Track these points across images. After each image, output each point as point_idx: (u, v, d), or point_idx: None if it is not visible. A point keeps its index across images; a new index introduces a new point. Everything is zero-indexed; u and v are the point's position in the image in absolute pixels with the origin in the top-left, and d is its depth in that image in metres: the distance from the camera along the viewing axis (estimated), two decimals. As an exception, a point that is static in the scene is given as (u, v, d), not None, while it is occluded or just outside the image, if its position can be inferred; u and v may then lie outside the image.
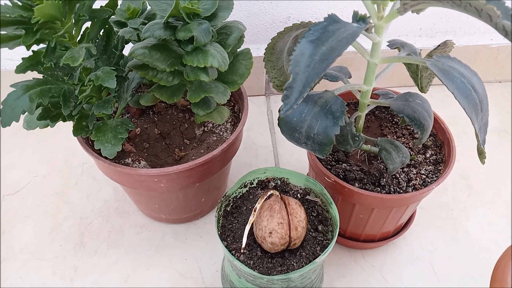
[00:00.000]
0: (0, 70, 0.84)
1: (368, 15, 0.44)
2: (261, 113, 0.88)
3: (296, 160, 0.79)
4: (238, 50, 0.58)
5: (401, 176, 0.58)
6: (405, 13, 0.43)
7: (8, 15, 0.40)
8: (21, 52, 0.81)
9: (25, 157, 0.81)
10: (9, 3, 0.41)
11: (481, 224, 0.70)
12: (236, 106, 0.67)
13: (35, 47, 0.46)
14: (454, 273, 0.64)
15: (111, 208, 0.73)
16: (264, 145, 0.82)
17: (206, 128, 0.64)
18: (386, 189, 0.56)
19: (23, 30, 0.41)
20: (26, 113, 0.48)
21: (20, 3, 0.41)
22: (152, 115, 0.66)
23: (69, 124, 0.59)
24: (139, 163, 0.60)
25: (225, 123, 0.65)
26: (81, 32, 0.49)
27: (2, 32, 0.42)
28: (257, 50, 0.83)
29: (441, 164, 0.60)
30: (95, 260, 0.66)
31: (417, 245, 0.68)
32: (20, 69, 0.44)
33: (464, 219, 0.71)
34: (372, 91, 0.58)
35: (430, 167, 0.59)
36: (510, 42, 0.38)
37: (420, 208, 0.72)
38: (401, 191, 0.56)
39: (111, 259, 0.66)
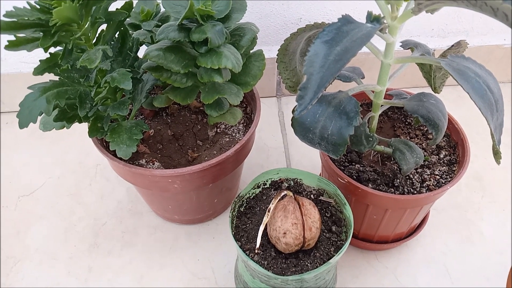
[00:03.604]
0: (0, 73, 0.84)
1: (382, 15, 0.44)
2: (273, 114, 0.89)
3: (308, 161, 0.79)
4: (251, 51, 0.58)
5: (415, 177, 0.57)
6: (419, 13, 0.43)
7: (26, 18, 0.40)
8: (35, 55, 0.82)
9: (39, 159, 0.82)
10: (27, 6, 0.42)
11: (495, 225, 0.70)
12: (249, 107, 0.67)
13: (51, 50, 0.47)
14: (468, 275, 0.64)
15: (124, 209, 0.73)
16: (275, 146, 0.82)
17: (218, 129, 0.65)
18: (400, 190, 0.56)
19: (41, 33, 0.42)
20: (42, 114, 0.49)
21: (38, 6, 0.42)
22: (165, 117, 0.66)
23: (83, 126, 0.60)
24: (153, 164, 0.60)
25: (238, 124, 0.65)
26: (97, 35, 0.49)
27: (21, 35, 0.43)
28: (269, 51, 0.83)
29: (455, 165, 0.59)
30: (109, 260, 0.67)
31: (430, 246, 0.67)
32: (38, 71, 0.45)
33: (478, 220, 0.70)
34: (386, 91, 0.58)
35: (444, 167, 0.59)
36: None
37: (433, 209, 0.71)
38: (415, 192, 0.56)
39: (124, 260, 0.67)
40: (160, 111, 0.67)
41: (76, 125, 0.53)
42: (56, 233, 0.70)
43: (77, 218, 0.72)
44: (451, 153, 0.61)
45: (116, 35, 0.51)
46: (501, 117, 0.47)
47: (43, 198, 0.75)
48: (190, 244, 0.69)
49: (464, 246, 0.67)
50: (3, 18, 0.40)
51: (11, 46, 0.42)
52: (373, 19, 0.43)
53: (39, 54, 0.83)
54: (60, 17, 0.39)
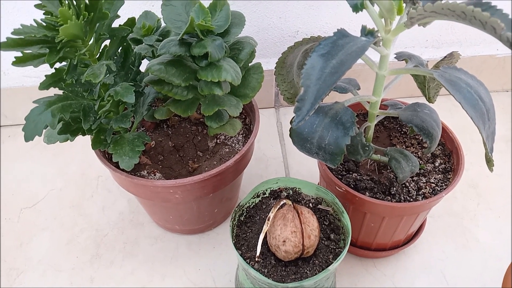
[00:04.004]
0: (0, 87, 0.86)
1: (376, 29, 0.46)
2: (271, 125, 0.90)
3: (306, 171, 0.80)
4: (250, 64, 0.60)
5: (411, 185, 0.59)
6: (412, 27, 0.45)
7: (33, 35, 0.42)
8: (37, 69, 0.84)
9: (42, 171, 0.83)
10: (34, 24, 0.44)
11: (491, 232, 0.71)
12: (248, 119, 0.69)
13: (56, 65, 0.48)
14: (465, 281, 0.65)
15: (126, 220, 0.74)
16: (274, 156, 0.84)
17: (218, 140, 0.66)
18: (397, 198, 0.57)
19: (47, 49, 0.44)
20: (47, 128, 0.50)
21: (44, 24, 0.43)
22: (166, 129, 0.68)
23: (85, 139, 0.61)
24: (154, 175, 0.61)
25: (237, 135, 0.66)
26: (100, 50, 0.51)
27: (27, 51, 0.44)
28: (267, 64, 0.85)
29: (450, 173, 0.61)
30: (111, 271, 0.68)
31: (428, 253, 0.68)
32: (44, 85, 0.46)
33: (474, 227, 0.72)
34: (381, 102, 0.60)
35: (440, 175, 0.60)
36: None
37: (430, 217, 0.72)
38: (411, 199, 0.57)
39: (126, 270, 0.68)
40: (161, 123, 0.68)
41: (78, 137, 0.54)
42: (58, 245, 0.71)
43: (79, 229, 0.73)
44: (446, 161, 0.62)
45: (119, 50, 0.53)
46: (493, 126, 0.48)
47: (45, 210, 0.76)
48: (191, 254, 0.70)
49: (461, 253, 0.68)
50: (10, 36, 0.42)
51: (18, 62, 0.44)
52: (367, 32, 0.45)
53: (42, 69, 0.84)
54: (66, 34, 0.41)
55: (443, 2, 0.39)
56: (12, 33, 0.42)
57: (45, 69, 0.86)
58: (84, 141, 0.68)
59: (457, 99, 0.44)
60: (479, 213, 0.74)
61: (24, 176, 0.82)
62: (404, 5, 0.49)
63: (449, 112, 0.90)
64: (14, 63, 0.44)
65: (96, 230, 0.73)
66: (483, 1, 0.43)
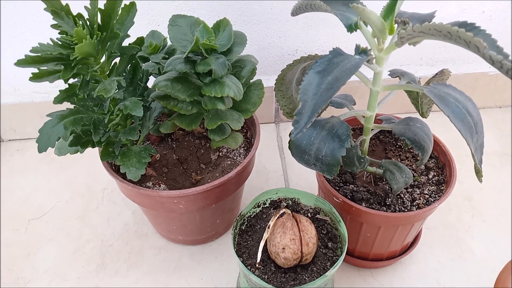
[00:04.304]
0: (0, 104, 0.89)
1: (369, 48, 0.49)
2: (271, 139, 0.93)
3: (305, 184, 0.83)
4: (251, 81, 0.63)
5: (406, 196, 0.61)
6: (402, 46, 0.48)
7: (49, 53, 0.45)
8: (47, 86, 0.87)
9: (49, 183, 0.85)
10: (50, 42, 0.47)
11: (485, 243, 0.73)
12: (249, 133, 0.72)
13: (70, 80, 0.51)
14: (460, 291, 0.67)
15: (130, 231, 0.76)
16: (274, 169, 0.86)
17: (221, 153, 0.69)
18: (392, 208, 0.59)
19: (62, 66, 0.47)
20: (59, 139, 0.53)
21: (59, 42, 0.47)
22: (170, 142, 0.71)
23: (91, 152, 0.64)
24: (159, 186, 0.64)
25: (239, 148, 0.69)
26: (110, 67, 0.54)
27: (43, 68, 0.47)
28: (267, 80, 0.88)
29: (443, 185, 0.63)
30: (115, 280, 0.69)
31: (424, 264, 0.70)
32: (58, 100, 0.49)
33: (469, 238, 0.74)
34: (376, 116, 0.63)
35: (433, 187, 0.63)
36: (497, 70, 0.42)
37: (426, 228, 0.74)
38: (406, 210, 0.59)
39: (131, 280, 0.69)
40: (165, 137, 0.71)
41: (83, 151, 0.57)
42: (65, 255, 0.73)
43: (85, 240, 0.75)
44: (439, 174, 0.65)
45: (128, 67, 0.56)
46: (481, 139, 0.51)
47: (52, 221, 0.78)
48: (194, 264, 0.72)
49: (456, 263, 0.70)
50: (28, 53, 0.45)
51: (35, 77, 0.47)
52: (361, 51, 0.48)
53: (51, 85, 0.88)
54: (81, 52, 0.44)
55: (430, 23, 0.42)
56: (30, 51, 0.45)
57: (54, 85, 0.90)
58: (89, 155, 0.71)
59: (445, 113, 0.47)
60: (473, 225, 0.76)
61: (31, 189, 0.84)
62: (395, 25, 0.52)
63: (443, 127, 0.92)
64: (31, 79, 0.47)
65: (101, 240, 0.75)
66: (468, 22, 0.47)
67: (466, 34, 0.40)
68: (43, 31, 0.80)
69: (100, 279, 0.70)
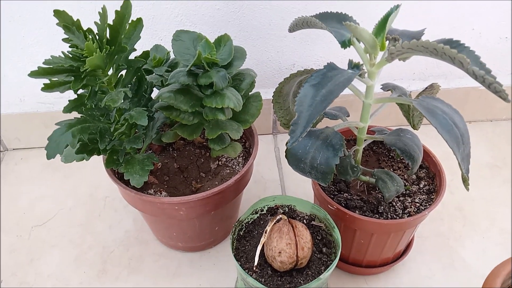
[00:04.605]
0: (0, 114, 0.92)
1: (361, 63, 0.52)
2: (269, 150, 0.96)
3: (302, 193, 0.85)
4: (250, 93, 0.66)
5: (397, 204, 0.64)
6: (392, 61, 0.51)
7: (61, 65, 0.48)
8: (51, 96, 0.90)
9: (52, 191, 0.88)
10: (61, 55, 0.50)
11: (476, 252, 0.75)
12: (247, 143, 0.74)
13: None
14: (451, 297, 0.69)
15: (131, 238, 0.79)
16: (272, 179, 0.89)
17: (220, 162, 0.72)
18: (384, 215, 0.62)
19: (72, 77, 0.50)
20: (67, 147, 0.55)
21: (70, 55, 0.49)
22: (171, 151, 0.73)
23: (93, 162, 0.66)
24: (160, 193, 0.66)
25: (237, 158, 0.72)
26: (117, 78, 0.57)
27: (54, 79, 0.50)
28: (266, 93, 0.91)
29: (433, 194, 0.66)
30: (116, 286, 0.71)
31: (416, 271, 0.72)
32: (67, 109, 0.52)
33: (460, 247, 0.76)
34: (369, 128, 0.66)
35: (424, 196, 0.65)
36: (480, 84, 0.45)
37: (418, 237, 0.77)
38: (397, 217, 0.62)
39: (131, 285, 0.71)
40: (167, 146, 0.74)
41: (86, 161, 0.59)
42: (67, 260, 0.75)
43: (87, 246, 0.77)
44: (430, 183, 0.67)
45: (134, 79, 0.59)
46: (467, 149, 0.54)
47: (55, 228, 0.81)
48: (193, 270, 0.74)
49: (447, 271, 0.72)
50: (41, 65, 0.48)
51: (47, 88, 0.50)
52: (353, 66, 0.51)
53: (55, 96, 0.91)
54: (91, 65, 0.47)
55: (419, 40, 0.45)
56: (43, 63, 0.48)
57: (59, 96, 0.93)
58: (92, 164, 0.73)
59: (433, 125, 0.50)
60: (464, 234, 0.78)
61: (35, 196, 0.87)
62: (387, 42, 0.55)
63: (436, 140, 0.94)
64: (43, 89, 0.50)
65: (103, 247, 0.77)
66: (454, 39, 0.50)
67: (450, 51, 0.43)
68: (50, 44, 0.83)
69: (102, 284, 0.72)
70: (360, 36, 0.50)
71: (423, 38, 0.53)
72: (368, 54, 0.53)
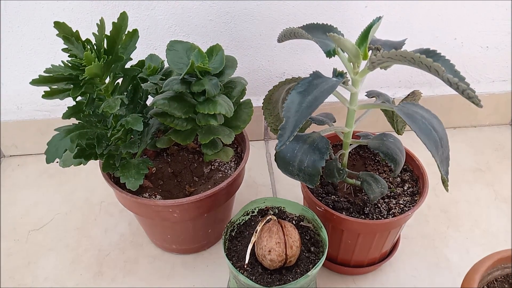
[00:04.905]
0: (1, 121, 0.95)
1: (345, 71, 0.56)
2: (261, 155, 0.99)
3: (292, 197, 0.87)
4: (241, 100, 0.69)
5: (382, 206, 0.67)
6: (374, 70, 0.54)
7: (61, 73, 0.51)
8: (48, 104, 0.92)
9: (48, 197, 0.90)
10: (61, 64, 0.52)
11: (460, 252, 0.78)
12: (239, 148, 0.77)
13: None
14: (435, 295, 0.72)
15: (126, 241, 0.81)
16: (263, 183, 0.92)
17: (213, 166, 0.74)
18: (370, 216, 0.65)
19: (72, 85, 0.52)
20: (65, 152, 0.58)
21: (70, 64, 0.52)
22: (165, 157, 0.76)
23: (89, 167, 0.68)
24: (155, 197, 0.69)
25: (229, 162, 0.75)
26: (114, 86, 0.60)
27: (54, 87, 0.53)
28: (257, 101, 0.94)
29: (417, 195, 0.69)
30: (112, 287, 0.73)
31: (402, 271, 0.75)
32: (66, 115, 0.55)
33: (444, 247, 0.79)
34: (354, 133, 0.69)
35: (408, 198, 0.68)
36: (455, 90, 0.48)
37: (404, 238, 0.80)
38: (382, 218, 0.65)
39: (127, 286, 0.73)
40: (161, 152, 0.76)
41: (81, 167, 0.62)
42: (63, 264, 0.77)
43: (83, 250, 0.79)
44: (413, 186, 0.70)
45: (130, 87, 0.62)
46: (446, 152, 0.57)
47: (51, 232, 0.83)
48: (187, 272, 0.76)
49: (432, 271, 0.75)
50: (42, 74, 0.51)
51: (47, 95, 0.52)
52: (337, 74, 0.54)
53: (52, 103, 0.93)
54: (89, 73, 0.50)
55: (398, 50, 0.49)
56: (44, 71, 0.51)
57: (55, 104, 0.95)
58: (87, 170, 0.76)
59: (412, 129, 0.53)
60: (449, 235, 0.81)
61: (32, 202, 0.89)
62: (370, 52, 0.59)
63: (422, 146, 0.98)
64: (43, 96, 0.52)
65: (99, 250, 0.79)
66: (431, 49, 0.53)
67: (426, 60, 0.46)
68: (47, 54, 0.86)
69: (98, 286, 0.74)
70: (343, 46, 0.53)
71: (405, 47, 0.57)
72: (351, 63, 0.56)
